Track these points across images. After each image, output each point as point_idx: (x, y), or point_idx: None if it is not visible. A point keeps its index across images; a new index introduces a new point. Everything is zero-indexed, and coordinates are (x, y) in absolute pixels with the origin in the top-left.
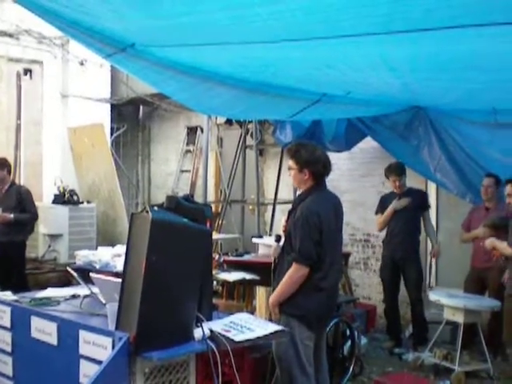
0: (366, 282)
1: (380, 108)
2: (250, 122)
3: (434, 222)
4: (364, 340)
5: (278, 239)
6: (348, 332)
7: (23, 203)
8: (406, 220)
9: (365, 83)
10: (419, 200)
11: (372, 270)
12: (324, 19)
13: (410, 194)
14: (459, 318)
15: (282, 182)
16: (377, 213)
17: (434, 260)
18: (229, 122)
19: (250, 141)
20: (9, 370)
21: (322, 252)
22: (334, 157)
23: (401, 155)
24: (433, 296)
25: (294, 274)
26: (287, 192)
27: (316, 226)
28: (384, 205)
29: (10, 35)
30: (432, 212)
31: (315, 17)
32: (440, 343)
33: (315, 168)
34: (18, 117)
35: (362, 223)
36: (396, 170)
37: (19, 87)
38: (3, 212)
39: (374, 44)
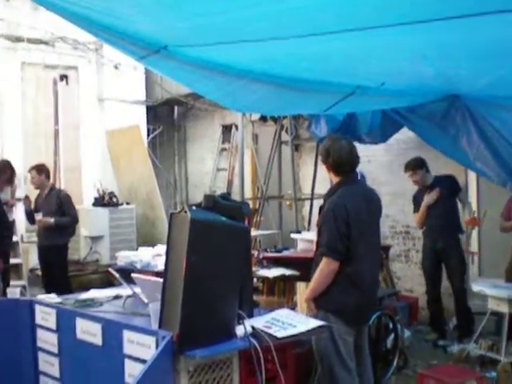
0: (407, 275)
1: (415, 98)
2: (285, 117)
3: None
4: (407, 333)
5: None
6: (391, 325)
7: (63, 207)
8: (441, 210)
9: (398, 73)
10: (449, 186)
11: (413, 262)
12: (355, 11)
13: (438, 184)
14: (504, 308)
15: (318, 177)
16: (414, 211)
17: (469, 228)
18: (263, 118)
19: (285, 136)
20: (56, 371)
21: (351, 245)
22: (371, 149)
23: (439, 145)
24: (476, 287)
25: (324, 268)
26: (324, 186)
27: (343, 219)
28: (417, 202)
29: (46, 43)
30: (473, 201)
31: (346, 9)
32: (485, 334)
33: (328, 163)
34: (56, 122)
35: (401, 215)
36: (408, 166)
37: (56, 93)
38: (44, 216)
39: (405, 33)
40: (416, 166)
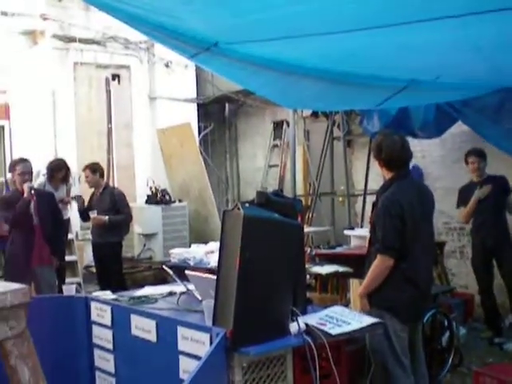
0: (462, 271)
1: (469, 91)
2: (337, 113)
3: None
4: (462, 330)
5: None
6: (446, 323)
7: (117, 205)
8: (491, 208)
9: (455, 66)
10: (500, 186)
11: (468, 259)
12: (407, 3)
13: (490, 181)
14: None
15: (371, 173)
16: (458, 206)
17: None
18: (315, 114)
19: (337, 132)
20: (111, 367)
21: (406, 241)
22: (424, 143)
23: (493, 139)
24: None
25: (379, 265)
26: (377, 182)
27: (398, 215)
28: (464, 196)
29: (97, 42)
30: None
31: (397, 3)
32: None
33: (380, 158)
34: (109, 121)
35: (455, 211)
36: (476, 152)
37: (108, 92)
38: (98, 214)
39: (459, 26)
40: (482, 154)
